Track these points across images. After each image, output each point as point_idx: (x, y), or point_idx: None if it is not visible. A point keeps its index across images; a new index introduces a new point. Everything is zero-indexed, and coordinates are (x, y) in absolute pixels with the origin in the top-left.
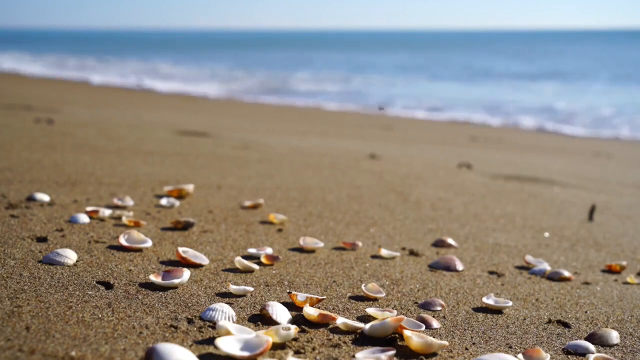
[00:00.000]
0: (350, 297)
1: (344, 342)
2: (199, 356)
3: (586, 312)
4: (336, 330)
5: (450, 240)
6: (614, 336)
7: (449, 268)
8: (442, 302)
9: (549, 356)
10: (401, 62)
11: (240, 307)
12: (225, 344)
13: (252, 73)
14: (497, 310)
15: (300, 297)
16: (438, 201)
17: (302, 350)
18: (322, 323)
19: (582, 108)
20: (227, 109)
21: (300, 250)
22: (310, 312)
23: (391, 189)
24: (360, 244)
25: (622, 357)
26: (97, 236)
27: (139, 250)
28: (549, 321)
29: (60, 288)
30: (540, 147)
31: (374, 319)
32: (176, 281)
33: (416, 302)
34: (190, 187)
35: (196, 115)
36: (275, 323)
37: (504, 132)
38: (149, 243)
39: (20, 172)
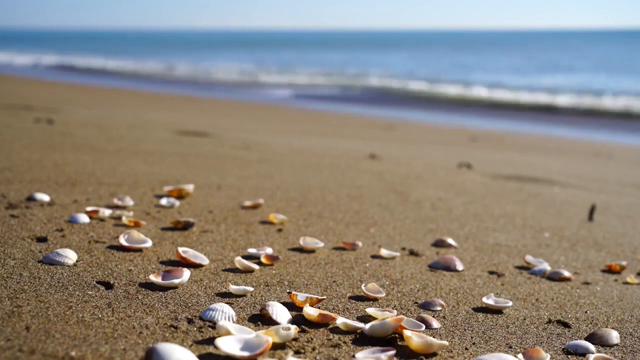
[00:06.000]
0: (350, 297)
1: (344, 342)
2: (199, 356)
3: (586, 312)
4: (336, 330)
5: (450, 240)
6: (614, 336)
7: (449, 268)
8: (442, 302)
9: (549, 356)
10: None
11: (240, 307)
12: (225, 344)
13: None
14: (497, 310)
15: (300, 297)
16: (438, 201)
17: (302, 350)
18: (322, 323)
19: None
20: (227, 109)
21: (300, 250)
22: (310, 312)
23: (391, 189)
24: (360, 244)
25: (622, 357)
26: (97, 236)
27: (139, 250)
28: (549, 321)
29: (60, 288)
30: (540, 147)
31: (374, 319)
32: (176, 281)
33: (416, 302)
34: (190, 187)
35: (196, 115)
36: (275, 323)
37: (503, 132)
38: (149, 243)
39: (20, 172)
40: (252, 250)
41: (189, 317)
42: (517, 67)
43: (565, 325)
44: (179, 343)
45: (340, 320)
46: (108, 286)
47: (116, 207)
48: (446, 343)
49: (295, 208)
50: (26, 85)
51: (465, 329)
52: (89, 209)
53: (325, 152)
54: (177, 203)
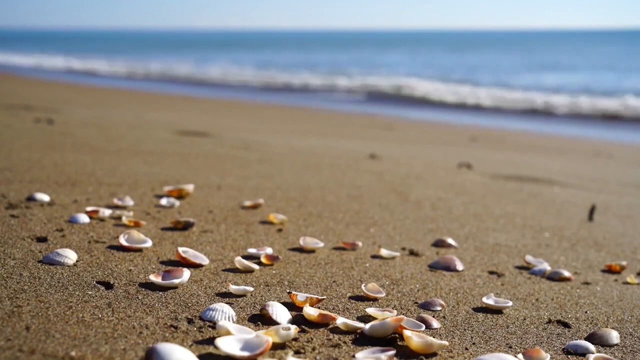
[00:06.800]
0: (350, 297)
1: (344, 342)
2: (199, 356)
3: (586, 312)
4: (336, 330)
5: (450, 240)
6: (614, 336)
7: (449, 268)
8: (442, 302)
9: (549, 356)
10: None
11: (240, 307)
12: (225, 344)
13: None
14: (497, 310)
15: (300, 297)
16: (438, 201)
17: (302, 350)
18: (322, 323)
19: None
20: (227, 109)
21: (300, 250)
22: (310, 312)
23: (391, 189)
24: (360, 244)
25: (622, 357)
26: (97, 236)
27: (139, 250)
28: (549, 321)
29: (60, 288)
30: (540, 147)
31: (374, 319)
32: (176, 281)
33: (416, 302)
34: (190, 187)
35: (196, 115)
36: (275, 323)
37: (504, 132)
38: (149, 243)
39: (20, 172)
40: (252, 250)
41: (189, 317)
42: (518, 66)
43: (565, 325)
44: (179, 343)
45: (340, 320)
46: (108, 286)
47: (116, 207)
48: (446, 343)
49: (295, 208)
50: (26, 85)
51: (465, 329)
52: (89, 209)
53: (325, 152)
54: (177, 203)
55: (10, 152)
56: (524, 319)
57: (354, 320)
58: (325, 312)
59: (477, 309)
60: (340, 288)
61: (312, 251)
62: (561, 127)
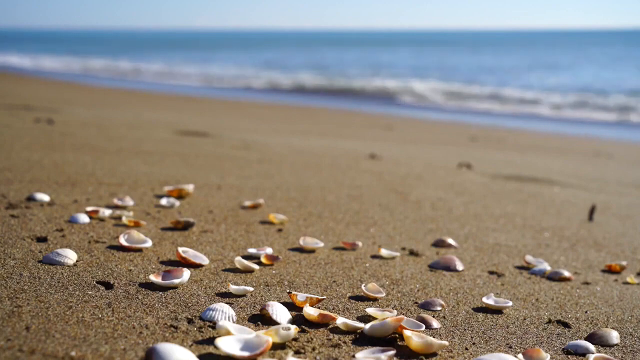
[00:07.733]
0: (350, 297)
1: (344, 342)
2: (199, 356)
3: (586, 312)
4: (336, 330)
5: (450, 240)
6: (614, 336)
7: (449, 268)
8: (442, 302)
9: (549, 356)
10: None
11: (240, 307)
12: (225, 344)
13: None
14: (497, 310)
15: (300, 297)
16: (438, 201)
17: (302, 350)
18: (322, 323)
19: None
20: (227, 109)
21: (300, 250)
22: (310, 312)
23: (391, 189)
24: (360, 244)
25: (622, 357)
26: (97, 236)
27: (139, 250)
28: (549, 321)
29: (60, 288)
30: (540, 147)
31: (374, 319)
32: (176, 281)
33: (416, 302)
34: (190, 187)
35: (196, 115)
36: (275, 323)
37: (504, 132)
38: (149, 243)
39: (20, 172)
40: (252, 250)
41: (189, 317)
42: (518, 66)
43: (565, 325)
44: (179, 343)
45: (340, 320)
46: (108, 286)
47: (116, 207)
48: (446, 343)
49: (295, 208)
50: (26, 85)
51: (465, 329)
52: (89, 209)
53: (325, 152)
54: (177, 203)
55: (10, 152)
56: (524, 319)
57: (354, 320)
58: (325, 312)
59: (477, 309)
60: (340, 288)
61: (312, 251)
62: (561, 127)
